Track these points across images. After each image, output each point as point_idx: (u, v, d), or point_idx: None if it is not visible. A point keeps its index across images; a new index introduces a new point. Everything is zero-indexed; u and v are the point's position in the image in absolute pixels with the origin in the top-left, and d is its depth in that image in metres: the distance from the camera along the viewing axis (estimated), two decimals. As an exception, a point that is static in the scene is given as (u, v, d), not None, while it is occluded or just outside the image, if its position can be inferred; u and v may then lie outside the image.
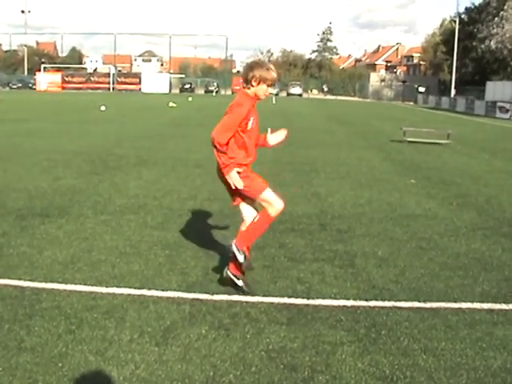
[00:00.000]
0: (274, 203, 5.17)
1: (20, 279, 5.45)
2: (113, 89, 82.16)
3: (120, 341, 4.28)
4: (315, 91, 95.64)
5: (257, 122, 5.20)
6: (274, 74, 5.09)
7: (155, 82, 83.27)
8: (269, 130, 5.52)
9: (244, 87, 5.19)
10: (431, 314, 5.01)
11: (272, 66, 5.20)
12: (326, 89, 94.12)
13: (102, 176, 11.10)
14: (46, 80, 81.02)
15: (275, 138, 5.52)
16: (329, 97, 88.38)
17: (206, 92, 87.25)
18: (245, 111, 5.02)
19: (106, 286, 5.37)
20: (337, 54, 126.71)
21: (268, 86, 5.10)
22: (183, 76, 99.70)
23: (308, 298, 5.27)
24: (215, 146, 5.04)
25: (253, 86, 5.09)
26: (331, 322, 4.76)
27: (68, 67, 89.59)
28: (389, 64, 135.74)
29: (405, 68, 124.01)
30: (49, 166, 12.05)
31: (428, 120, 36.36)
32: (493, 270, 6.30)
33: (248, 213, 5.44)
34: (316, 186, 10.99)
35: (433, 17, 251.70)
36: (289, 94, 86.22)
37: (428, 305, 5.24)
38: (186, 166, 12.73)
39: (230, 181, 5.09)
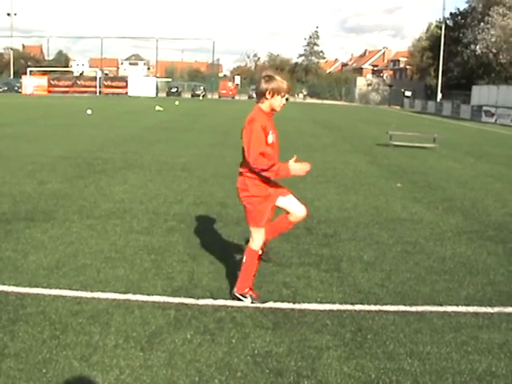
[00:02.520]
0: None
1: (4, 284, 5.42)
2: (99, 92, 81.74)
3: (105, 346, 4.26)
4: (301, 95, 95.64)
5: (276, 137, 5.16)
6: (285, 85, 5.02)
7: (142, 85, 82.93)
8: (294, 157, 5.25)
9: (257, 102, 5.12)
10: (417, 318, 5.02)
11: (282, 76, 5.11)
12: (305, 92, 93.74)
13: (87, 180, 11.05)
14: (32, 83, 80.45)
15: (296, 168, 5.16)
16: (308, 100, 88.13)
17: (192, 96, 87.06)
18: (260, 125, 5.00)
19: (91, 291, 5.34)
20: (323, 58, 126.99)
21: (282, 96, 5.02)
22: (170, 80, 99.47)
23: (294, 303, 5.27)
24: (259, 172, 5.01)
25: (267, 99, 5.03)
26: (317, 327, 4.76)
27: (54, 71, 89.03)
28: (375, 68, 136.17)
29: (391, 72, 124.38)
30: (34, 170, 11.98)
31: (414, 124, 36.53)
32: (478, 273, 6.34)
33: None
34: (302, 189, 10.97)
35: (420, 21, 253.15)
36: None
37: (414, 308, 5.25)
38: (172, 170, 12.70)
39: (295, 173, 5.09)
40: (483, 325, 4.95)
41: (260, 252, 5.29)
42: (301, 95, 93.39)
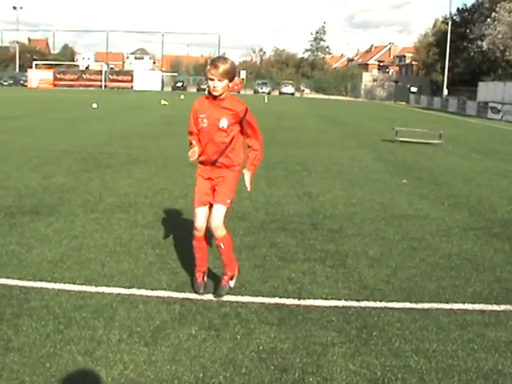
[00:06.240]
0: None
1: (8, 278, 5.40)
2: (105, 86, 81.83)
3: (109, 341, 4.24)
4: (307, 90, 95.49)
5: (211, 121, 5.05)
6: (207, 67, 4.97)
7: (147, 79, 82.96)
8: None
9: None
10: (423, 315, 4.99)
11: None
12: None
13: (92, 174, 11.04)
14: (38, 77, 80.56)
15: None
16: (312, 96, 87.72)
17: (198, 90, 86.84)
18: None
19: (96, 285, 5.32)
20: (329, 53, 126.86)
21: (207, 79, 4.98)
22: (175, 74, 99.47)
23: (299, 299, 5.24)
24: None
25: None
26: (322, 323, 4.73)
27: (60, 64, 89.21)
28: (381, 64, 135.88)
29: (397, 68, 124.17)
30: (39, 164, 11.97)
31: (420, 120, 36.42)
32: (484, 270, 6.29)
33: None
34: (307, 185, 10.96)
35: (427, 17, 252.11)
36: (281, 93, 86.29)
37: (420, 305, 5.22)
38: (177, 165, 12.67)
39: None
40: (490, 323, 4.92)
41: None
42: (307, 90, 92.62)
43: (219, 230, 5.07)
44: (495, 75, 66.06)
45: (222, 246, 5.14)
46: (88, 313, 4.71)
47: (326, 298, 5.28)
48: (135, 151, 14.66)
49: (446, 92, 69.35)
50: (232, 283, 5.22)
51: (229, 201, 5.12)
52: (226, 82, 4.90)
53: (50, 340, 4.20)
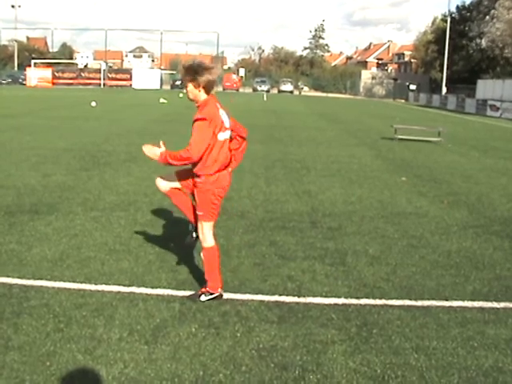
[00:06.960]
0: None
1: (8, 276, 5.41)
2: (103, 85, 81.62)
3: (109, 339, 4.24)
4: (306, 88, 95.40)
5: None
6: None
7: (146, 78, 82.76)
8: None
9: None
10: (423, 313, 4.99)
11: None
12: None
13: (91, 172, 11.03)
14: (36, 75, 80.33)
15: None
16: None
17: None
18: None
19: (95, 284, 5.33)
20: (328, 51, 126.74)
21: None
22: (174, 72, 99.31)
23: (299, 296, 5.25)
24: None
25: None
26: (322, 321, 4.74)
27: (58, 63, 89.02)
28: (380, 62, 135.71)
29: (396, 66, 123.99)
30: (38, 163, 11.96)
31: (419, 118, 36.40)
32: (484, 268, 6.30)
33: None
34: (307, 183, 10.96)
35: (426, 15, 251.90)
36: (280, 91, 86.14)
37: (419, 303, 5.22)
38: (176, 163, 12.65)
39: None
40: (489, 320, 4.92)
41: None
42: (306, 88, 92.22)
43: (203, 242, 5.13)
44: (494, 73, 66.01)
45: (202, 257, 5.16)
46: (88, 311, 4.72)
47: (325, 296, 5.29)
48: (134, 149, 14.62)
49: (444, 90, 69.31)
50: (204, 298, 5.04)
51: (200, 213, 5.08)
52: (189, 87, 5.00)
53: (50, 339, 4.21)
